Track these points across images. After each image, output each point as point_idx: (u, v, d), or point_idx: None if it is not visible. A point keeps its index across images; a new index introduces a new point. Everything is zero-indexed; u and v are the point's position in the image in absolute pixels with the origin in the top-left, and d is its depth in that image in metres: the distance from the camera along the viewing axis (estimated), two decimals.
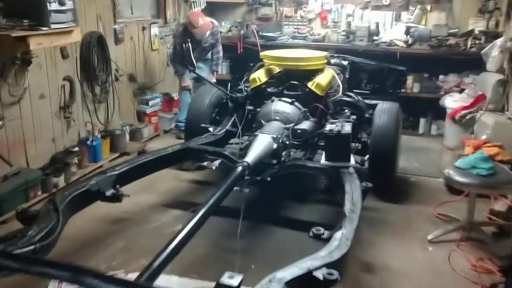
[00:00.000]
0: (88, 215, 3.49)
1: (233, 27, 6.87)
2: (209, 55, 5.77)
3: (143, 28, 5.70)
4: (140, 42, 5.67)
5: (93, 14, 4.77)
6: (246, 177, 3.45)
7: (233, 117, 4.44)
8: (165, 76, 6.12)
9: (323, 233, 2.70)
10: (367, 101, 4.86)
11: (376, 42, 6.27)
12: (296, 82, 4.21)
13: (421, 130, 6.37)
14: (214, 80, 5.83)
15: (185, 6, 6.52)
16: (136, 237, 3.53)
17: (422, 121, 6.35)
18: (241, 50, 6.59)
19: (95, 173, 3.54)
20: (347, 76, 4.93)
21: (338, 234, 2.55)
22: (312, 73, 4.32)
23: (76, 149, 4.55)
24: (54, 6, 3.53)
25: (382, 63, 5.18)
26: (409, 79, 6.22)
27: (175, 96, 6.04)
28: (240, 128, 4.27)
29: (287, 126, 4.02)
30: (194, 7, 6.57)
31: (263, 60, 4.47)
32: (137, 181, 3.65)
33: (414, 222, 3.93)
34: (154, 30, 5.92)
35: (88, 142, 4.62)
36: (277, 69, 4.53)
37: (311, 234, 2.72)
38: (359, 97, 4.60)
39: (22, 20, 3.42)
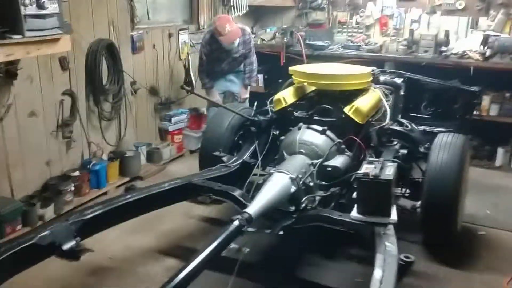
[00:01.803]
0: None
1: (277, 34, 6.06)
2: (242, 66, 5.02)
3: (170, 35, 5.05)
4: (165, 51, 5.03)
5: (104, 20, 4.19)
6: (250, 229, 2.70)
7: (254, 145, 3.65)
8: (196, 89, 5.43)
9: None
10: (427, 128, 3.94)
11: (444, 53, 5.19)
12: (328, 106, 3.34)
13: (498, 162, 5.19)
14: (246, 96, 5.09)
15: (223, 10, 5.81)
16: None
17: (500, 151, 5.18)
18: (284, 61, 5.78)
19: (55, 219, 2.89)
20: (401, 97, 3.97)
21: None
22: (352, 95, 3.45)
23: (76, 173, 3.98)
24: (30, 10, 2.93)
25: (449, 82, 4.16)
26: (485, 100, 5.09)
27: (205, 111, 5.33)
28: (260, 159, 3.49)
29: (314, 161, 3.19)
30: (234, 12, 5.86)
31: (292, 76, 3.64)
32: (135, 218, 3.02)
33: None
34: (184, 37, 5.26)
35: (89, 166, 4.03)
36: (310, 88, 3.69)
37: None
38: (413, 125, 3.64)
39: None
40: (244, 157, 3.57)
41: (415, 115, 4.14)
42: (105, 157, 4.27)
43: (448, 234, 3.25)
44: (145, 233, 3.59)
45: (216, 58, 4.80)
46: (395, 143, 3.48)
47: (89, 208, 2.74)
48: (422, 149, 3.47)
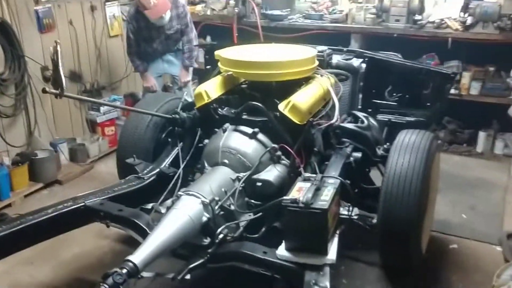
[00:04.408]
0: None
1: (230, 2, 5.24)
2: (181, 44, 4.25)
3: (92, 8, 4.24)
4: (88, 28, 4.24)
5: None
6: (146, 275, 2.08)
7: (177, 150, 2.95)
8: (131, 72, 4.67)
9: None
10: (392, 118, 3.26)
11: (419, 23, 4.43)
12: (259, 103, 2.62)
13: (479, 148, 4.53)
14: (188, 79, 4.36)
15: None
16: None
17: (481, 135, 4.51)
18: (237, 35, 4.99)
19: None
20: (360, 83, 3.25)
21: None
22: (291, 86, 2.73)
23: None
24: None
25: (418, 63, 3.46)
26: (465, 77, 4.40)
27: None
28: (181, 168, 2.79)
29: (240, 175, 2.51)
30: None
31: (219, 64, 2.90)
32: None
33: None
34: (113, 9, 4.46)
35: None
36: (241, 78, 2.97)
37: None
38: (371, 120, 2.94)
39: None
40: (163, 166, 2.87)
41: (379, 102, 3.43)
42: (8, 161, 3.55)
43: (408, 258, 2.62)
44: (43, 262, 2.92)
45: (147, 37, 4.04)
46: (347, 144, 2.79)
47: None
48: (380, 151, 2.79)
